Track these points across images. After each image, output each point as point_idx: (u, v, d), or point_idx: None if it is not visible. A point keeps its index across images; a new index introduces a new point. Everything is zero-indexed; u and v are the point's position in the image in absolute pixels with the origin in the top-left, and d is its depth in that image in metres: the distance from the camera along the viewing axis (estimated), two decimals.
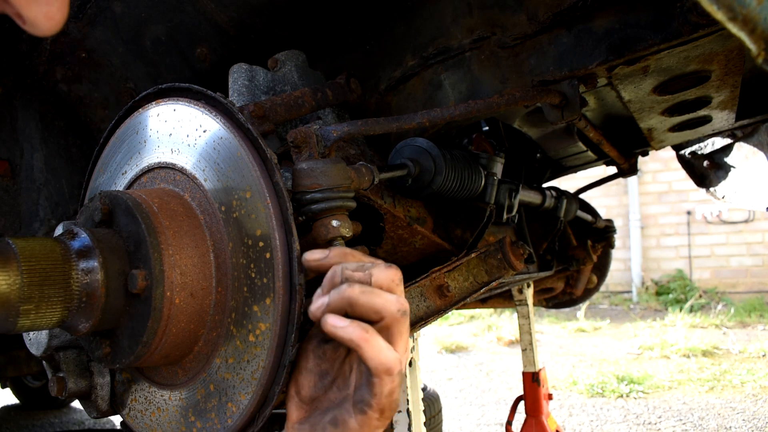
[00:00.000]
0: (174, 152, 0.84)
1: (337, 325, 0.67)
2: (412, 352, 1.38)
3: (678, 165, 2.60)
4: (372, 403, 0.67)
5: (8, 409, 4.86)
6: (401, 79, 1.17)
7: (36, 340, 0.94)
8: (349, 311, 0.68)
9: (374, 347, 0.66)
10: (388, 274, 0.70)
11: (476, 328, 7.08)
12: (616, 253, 3.16)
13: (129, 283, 0.73)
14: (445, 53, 1.12)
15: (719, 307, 7.56)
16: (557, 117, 1.08)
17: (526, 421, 2.20)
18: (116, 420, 3.39)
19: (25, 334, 0.95)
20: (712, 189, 2.48)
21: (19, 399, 4.86)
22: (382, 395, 0.67)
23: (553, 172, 2.02)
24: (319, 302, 0.69)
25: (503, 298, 2.24)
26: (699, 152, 2.42)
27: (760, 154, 2.22)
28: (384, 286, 0.69)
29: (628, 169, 1.99)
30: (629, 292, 8.97)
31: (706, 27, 0.89)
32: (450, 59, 1.12)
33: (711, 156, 2.40)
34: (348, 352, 0.74)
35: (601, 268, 2.48)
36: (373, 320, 0.68)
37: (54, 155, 1.40)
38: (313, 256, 0.72)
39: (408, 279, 1.03)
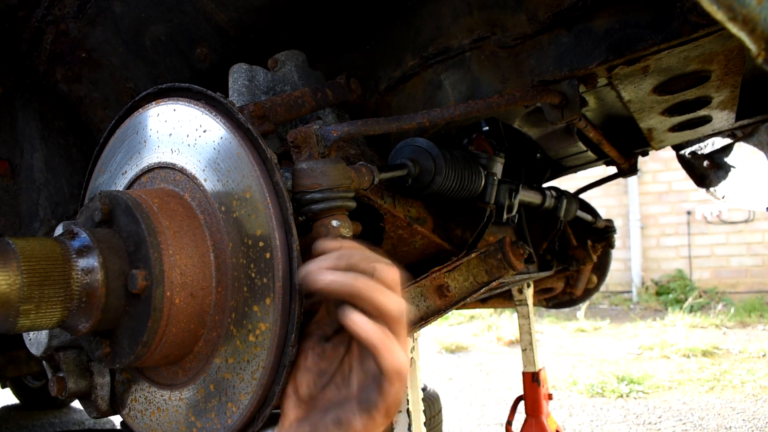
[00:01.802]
0: (174, 152, 0.84)
1: (357, 322, 0.67)
2: (412, 352, 1.38)
3: (678, 165, 2.60)
4: (379, 404, 0.68)
5: (8, 409, 4.86)
6: (401, 79, 1.17)
7: (36, 340, 0.94)
8: (349, 300, 0.68)
9: (390, 350, 0.67)
10: (392, 273, 0.70)
11: (476, 328, 7.08)
12: (616, 253, 3.16)
13: (129, 283, 0.73)
14: (445, 53, 1.11)
15: (719, 307, 7.56)
16: (557, 117, 1.08)
17: (526, 421, 2.20)
18: (116, 420, 3.39)
19: (25, 334, 0.95)
20: (712, 189, 2.48)
21: (19, 399, 4.86)
22: (390, 396, 0.68)
23: (553, 172, 2.02)
24: (325, 274, 0.68)
25: (503, 298, 2.24)
26: (699, 152, 2.42)
27: (760, 154, 2.22)
28: (387, 284, 0.69)
29: (628, 169, 1.99)
30: (629, 292, 8.97)
31: (706, 27, 0.89)
32: (450, 59, 1.12)
33: (711, 156, 2.40)
34: (347, 350, 0.74)
35: (601, 268, 2.48)
36: (372, 316, 0.68)
37: (54, 155, 1.40)
38: (329, 244, 0.73)
39: (408, 279, 1.03)
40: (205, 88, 0.82)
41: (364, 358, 0.71)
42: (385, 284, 0.69)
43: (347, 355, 0.74)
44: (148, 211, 0.76)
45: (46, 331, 0.92)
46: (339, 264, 0.69)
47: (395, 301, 0.69)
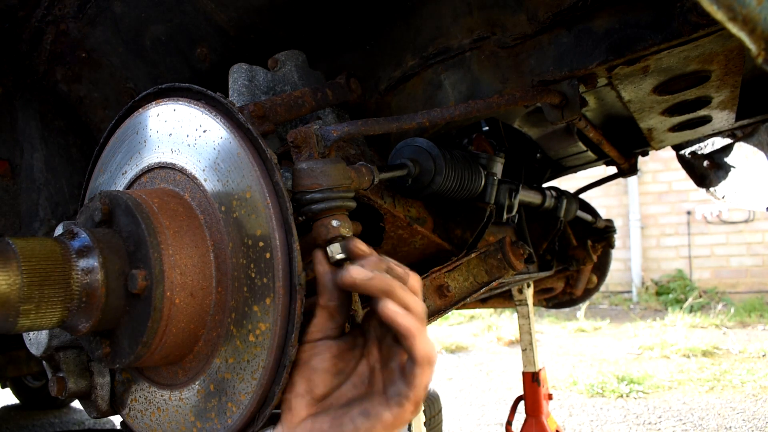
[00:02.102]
0: (174, 152, 0.84)
1: (398, 311, 0.70)
2: None
3: (678, 165, 2.60)
4: (410, 395, 0.70)
5: (8, 409, 4.86)
6: (401, 79, 1.17)
7: (36, 340, 0.94)
8: (382, 296, 0.71)
9: (424, 338, 0.70)
10: (420, 280, 0.77)
11: (476, 328, 7.08)
12: (616, 253, 3.16)
13: (129, 283, 0.73)
14: (445, 53, 1.12)
15: (719, 307, 7.56)
16: (557, 117, 1.08)
17: (526, 421, 2.20)
18: (116, 420, 3.39)
19: (25, 334, 0.95)
20: (712, 189, 2.48)
21: (19, 399, 4.86)
22: (421, 386, 0.71)
23: (553, 172, 2.02)
24: (363, 273, 0.71)
25: (503, 298, 2.24)
26: (699, 152, 2.42)
27: (760, 154, 2.22)
28: (414, 289, 0.75)
29: (628, 169, 1.99)
30: (629, 292, 8.97)
31: (706, 27, 0.89)
32: (450, 59, 1.12)
33: (711, 156, 2.40)
34: (363, 352, 0.77)
35: (601, 268, 2.48)
36: None
37: (54, 155, 1.40)
38: (363, 247, 0.76)
39: None
40: (205, 88, 0.82)
41: (387, 357, 0.74)
42: (414, 289, 0.75)
43: (363, 358, 0.76)
44: (148, 211, 0.76)
45: (46, 331, 0.92)
46: (379, 265, 0.74)
47: (419, 303, 0.74)
